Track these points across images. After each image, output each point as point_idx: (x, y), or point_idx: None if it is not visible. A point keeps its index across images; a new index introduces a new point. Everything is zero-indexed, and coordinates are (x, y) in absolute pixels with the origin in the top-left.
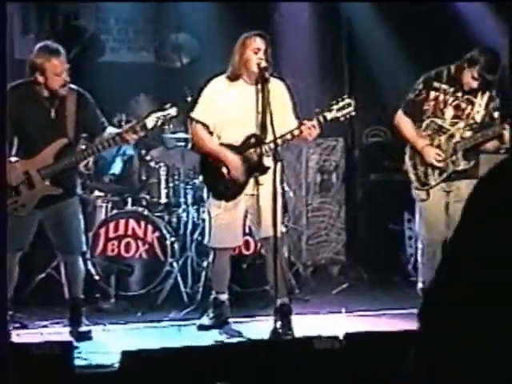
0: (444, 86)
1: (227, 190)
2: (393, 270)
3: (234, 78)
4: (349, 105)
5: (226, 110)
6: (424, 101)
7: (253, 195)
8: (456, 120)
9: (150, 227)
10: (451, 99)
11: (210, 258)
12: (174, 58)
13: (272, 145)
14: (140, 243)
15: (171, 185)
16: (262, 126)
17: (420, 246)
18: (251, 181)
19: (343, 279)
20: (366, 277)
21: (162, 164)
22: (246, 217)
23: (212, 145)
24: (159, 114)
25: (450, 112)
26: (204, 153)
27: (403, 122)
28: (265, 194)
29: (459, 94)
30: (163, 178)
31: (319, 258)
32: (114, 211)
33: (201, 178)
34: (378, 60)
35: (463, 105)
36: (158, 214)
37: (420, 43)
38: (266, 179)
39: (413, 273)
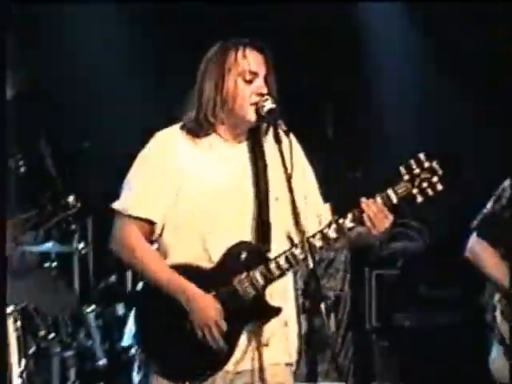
0: None
1: (195, 360)
2: None
3: (201, 130)
4: (433, 172)
5: (188, 196)
6: None
7: (240, 372)
8: None
9: None
10: None
11: None
12: None
13: (290, 255)
14: None
15: (31, 350)
16: (263, 225)
17: None
18: (242, 340)
19: None
20: None
21: (12, 307)
22: None
23: (161, 270)
24: None
25: None
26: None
27: (483, 250)
28: (270, 365)
29: None
30: (14, 334)
31: None
32: None
33: (131, 332)
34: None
35: None
36: None
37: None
38: (274, 333)
39: None
